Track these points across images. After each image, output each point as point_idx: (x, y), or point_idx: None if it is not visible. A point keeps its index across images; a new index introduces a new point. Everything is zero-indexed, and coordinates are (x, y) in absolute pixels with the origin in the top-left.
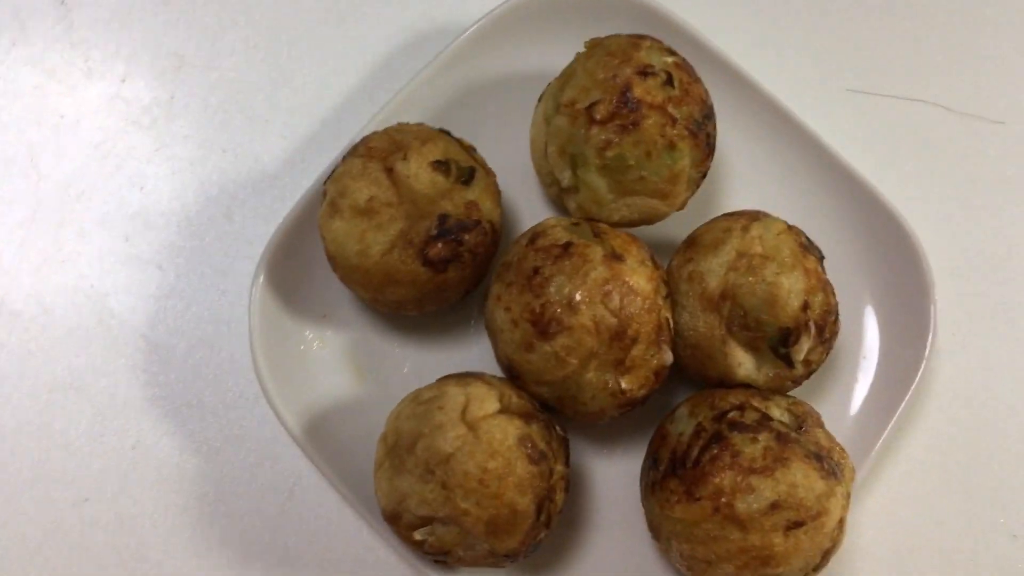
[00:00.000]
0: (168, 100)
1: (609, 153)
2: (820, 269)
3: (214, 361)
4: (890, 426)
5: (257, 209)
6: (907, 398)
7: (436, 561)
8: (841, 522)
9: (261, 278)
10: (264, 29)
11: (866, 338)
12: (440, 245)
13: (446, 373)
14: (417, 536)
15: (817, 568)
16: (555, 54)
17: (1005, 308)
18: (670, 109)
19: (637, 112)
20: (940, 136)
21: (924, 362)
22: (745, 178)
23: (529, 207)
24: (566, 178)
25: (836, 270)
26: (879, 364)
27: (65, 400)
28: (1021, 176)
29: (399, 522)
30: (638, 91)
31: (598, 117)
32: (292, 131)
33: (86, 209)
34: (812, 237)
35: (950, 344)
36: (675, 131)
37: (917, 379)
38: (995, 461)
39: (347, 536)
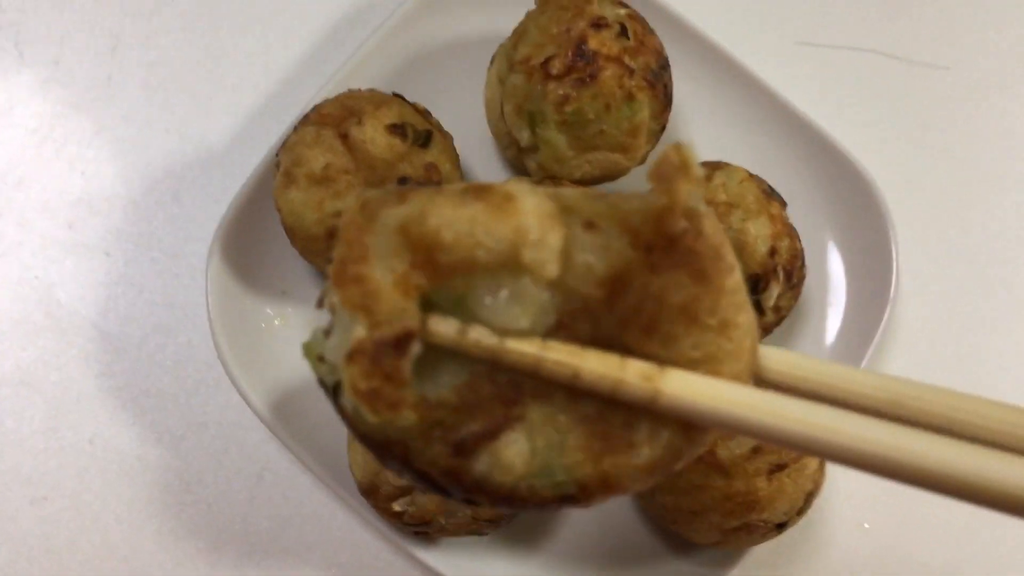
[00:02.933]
0: (105, 81)
1: (568, 108)
2: (784, 215)
3: (171, 347)
4: (862, 366)
5: (206, 189)
6: (875, 341)
7: (417, 533)
8: (822, 464)
9: (216, 257)
10: (202, 3)
11: (832, 283)
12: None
13: None
14: (396, 507)
15: (801, 511)
16: (503, 15)
17: (964, 249)
18: (626, 60)
19: (594, 64)
20: (890, 84)
21: (890, 305)
22: (702, 131)
23: (488, 170)
24: (525, 137)
25: (799, 217)
26: (846, 308)
27: (16, 396)
28: (968, 120)
29: (376, 495)
30: (593, 43)
31: (554, 72)
32: (237, 107)
33: (26, 197)
34: (773, 186)
35: (913, 287)
36: (633, 82)
37: (884, 321)
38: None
39: (322, 518)
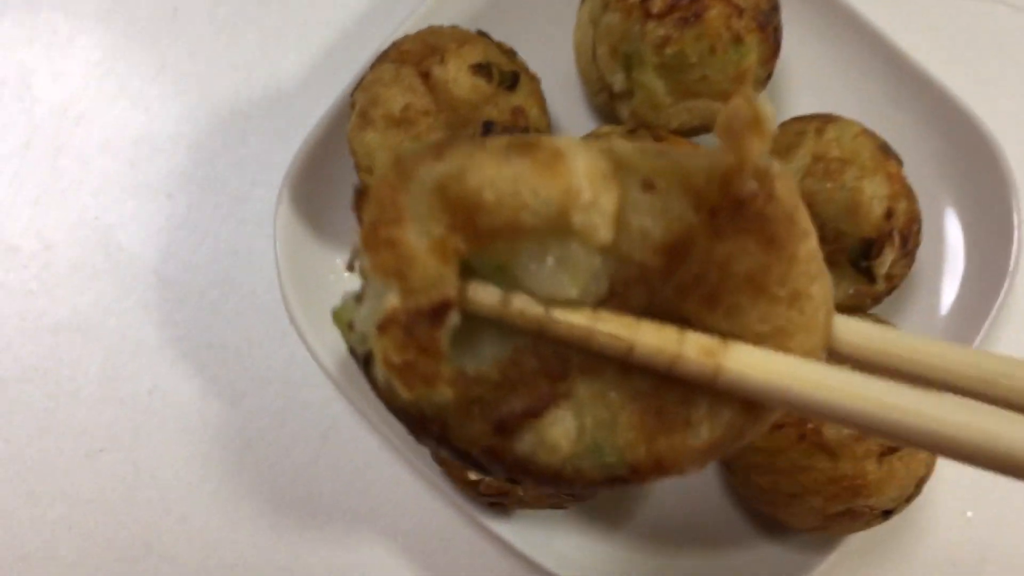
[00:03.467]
0: (171, 13)
1: (668, 50)
2: (902, 174)
3: (234, 297)
4: (977, 343)
5: (274, 130)
6: (993, 312)
7: (492, 504)
8: None
9: (285, 203)
10: None
11: (949, 250)
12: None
13: None
14: (472, 476)
15: (910, 498)
16: None
17: None
18: None
19: (699, 2)
20: (1018, 38)
21: (1008, 277)
22: (812, 81)
23: (574, 117)
24: (619, 81)
25: (914, 178)
26: (962, 279)
27: (72, 343)
28: None
29: (450, 462)
30: None
31: (655, 10)
32: (309, 44)
33: (86, 134)
34: (887, 143)
35: None
36: (742, 23)
37: (1003, 292)
38: None
39: (389, 483)
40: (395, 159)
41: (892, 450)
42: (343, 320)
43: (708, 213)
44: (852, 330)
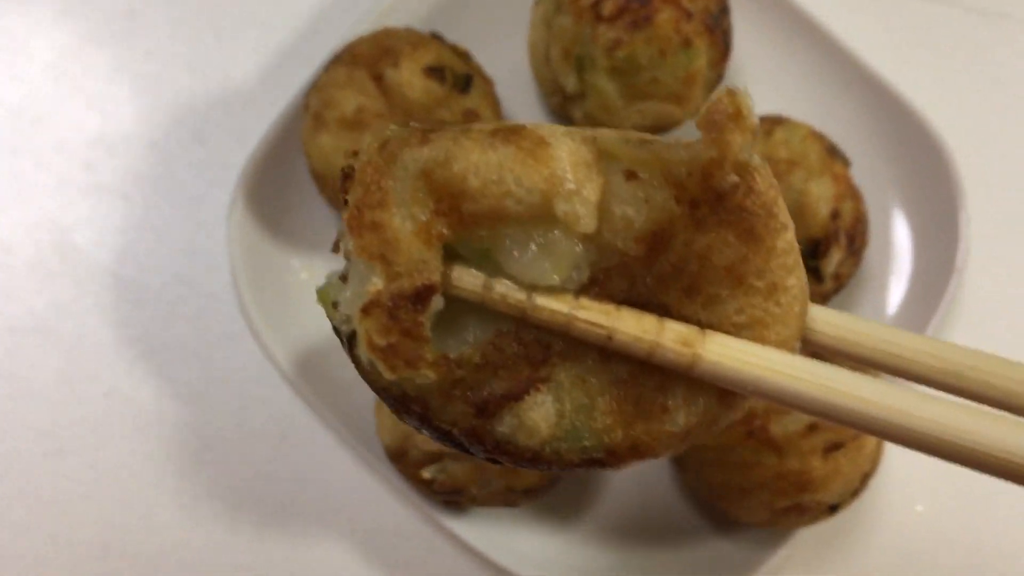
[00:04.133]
0: (127, 13)
1: (619, 53)
2: (848, 175)
3: (192, 298)
4: None
5: (231, 130)
6: (939, 312)
7: (446, 502)
8: (880, 443)
9: (239, 204)
10: None
11: (896, 249)
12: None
13: None
14: (426, 474)
15: (856, 493)
16: None
17: None
18: (684, 3)
19: (649, 6)
20: (963, 37)
21: (956, 273)
22: (762, 83)
23: (528, 119)
24: (571, 84)
25: (862, 178)
26: (910, 276)
27: (29, 344)
28: None
29: (405, 460)
30: None
31: (606, 13)
32: (265, 45)
33: (42, 136)
34: (836, 144)
35: (982, 256)
36: (691, 26)
37: (950, 292)
38: None
39: (346, 481)
40: (381, 142)
41: (837, 446)
42: (327, 299)
43: (689, 204)
44: (826, 320)
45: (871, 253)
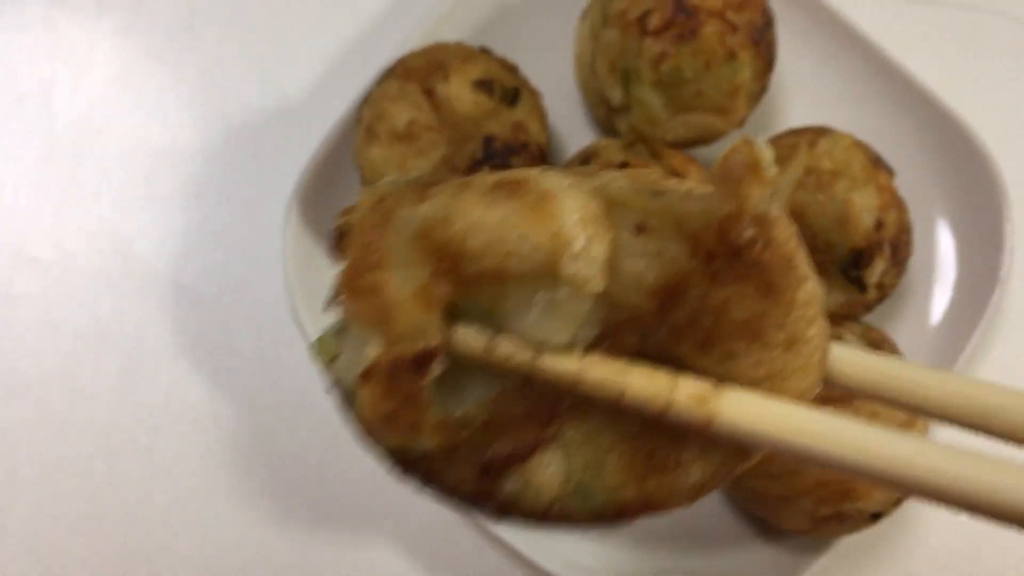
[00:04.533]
0: (186, 28)
1: (664, 66)
2: (893, 185)
3: (247, 304)
4: (967, 351)
5: (286, 142)
6: (983, 323)
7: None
8: None
9: (294, 213)
10: None
11: (940, 260)
12: (487, 169)
13: None
14: None
15: (898, 501)
16: None
17: None
18: (729, 16)
19: (694, 19)
20: (1009, 47)
21: (1000, 284)
22: (804, 94)
23: (574, 131)
24: (617, 96)
25: (906, 188)
26: (954, 287)
27: (91, 349)
28: None
29: None
30: None
31: (652, 27)
32: (320, 55)
33: (105, 146)
34: (880, 155)
35: None
36: (735, 40)
37: (993, 302)
38: None
39: (395, 484)
40: (377, 198)
41: None
42: (323, 354)
43: (704, 258)
44: (848, 360)
45: (915, 263)
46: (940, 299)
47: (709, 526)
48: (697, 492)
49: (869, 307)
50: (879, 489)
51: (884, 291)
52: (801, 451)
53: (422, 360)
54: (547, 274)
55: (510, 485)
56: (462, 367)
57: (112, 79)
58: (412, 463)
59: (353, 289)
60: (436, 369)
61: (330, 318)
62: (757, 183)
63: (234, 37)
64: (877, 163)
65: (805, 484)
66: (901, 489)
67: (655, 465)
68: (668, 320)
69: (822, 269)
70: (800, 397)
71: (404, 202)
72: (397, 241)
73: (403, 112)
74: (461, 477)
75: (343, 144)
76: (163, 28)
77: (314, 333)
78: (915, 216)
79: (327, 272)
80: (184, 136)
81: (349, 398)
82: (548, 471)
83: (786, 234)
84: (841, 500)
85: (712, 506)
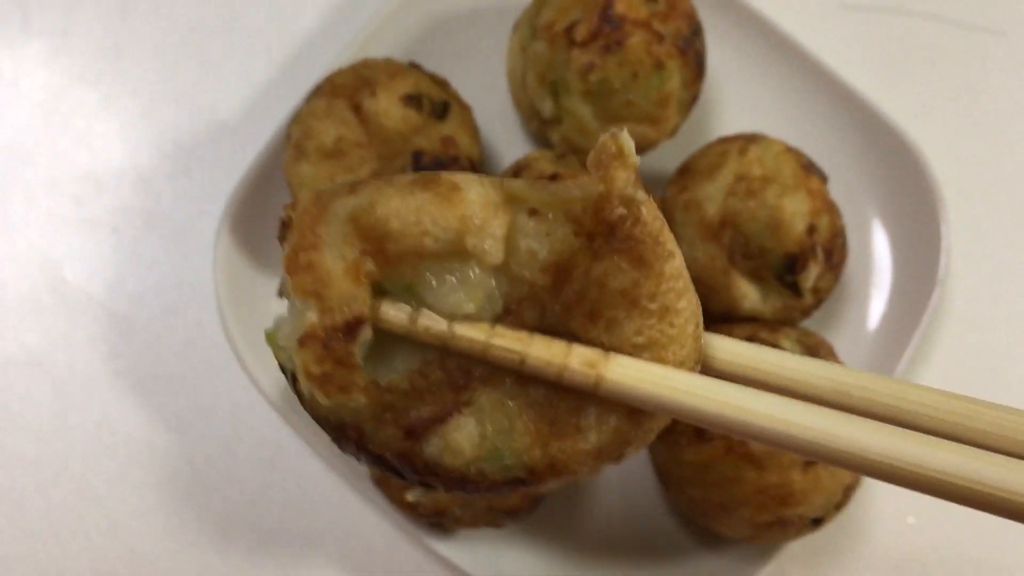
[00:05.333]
0: (115, 51)
1: (592, 77)
2: (824, 190)
3: (180, 328)
4: (906, 355)
5: (217, 162)
6: (922, 325)
7: (432, 524)
8: None
9: (225, 234)
10: None
11: (876, 263)
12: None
13: None
14: (409, 498)
15: (839, 506)
16: None
17: (1018, 224)
18: (655, 25)
19: (620, 30)
20: (939, 50)
21: (939, 284)
22: (738, 102)
23: (509, 144)
24: (548, 108)
25: (840, 192)
26: (892, 289)
27: (22, 377)
28: None
29: (389, 484)
30: (620, 7)
31: (579, 38)
32: (250, 77)
33: (32, 173)
34: (814, 159)
35: (963, 268)
36: (662, 49)
37: (932, 303)
38: (1018, 384)
39: (334, 505)
40: (315, 195)
41: None
42: (275, 341)
43: (587, 236)
44: (724, 348)
45: (851, 267)
46: (878, 302)
47: (655, 537)
48: (597, 457)
49: (806, 312)
50: (817, 494)
51: (820, 295)
52: (680, 409)
53: (352, 326)
54: (456, 251)
55: (432, 446)
56: (389, 342)
57: (39, 104)
58: (346, 428)
59: (293, 267)
60: (364, 335)
61: (262, 335)
62: (622, 167)
63: (163, 58)
64: (809, 168)
65: (744, 492)
66: (773, 444)
67: (557, 430)
68: (561, 296)
69: (758, 275)
70: (679, 366)
71: (337, 196)
72: (331, 226)
73: (331, 129)
74: (388, 439)
75: (274, 164)
76: (91, 51)
77: (247, 354)
78: (850, 220)
79: (260, 292)
80: (113, 160)
81: (294, 377)
82: (464, 432)
83: (653, 214)
84: (780, 506)
85: (658, 517)
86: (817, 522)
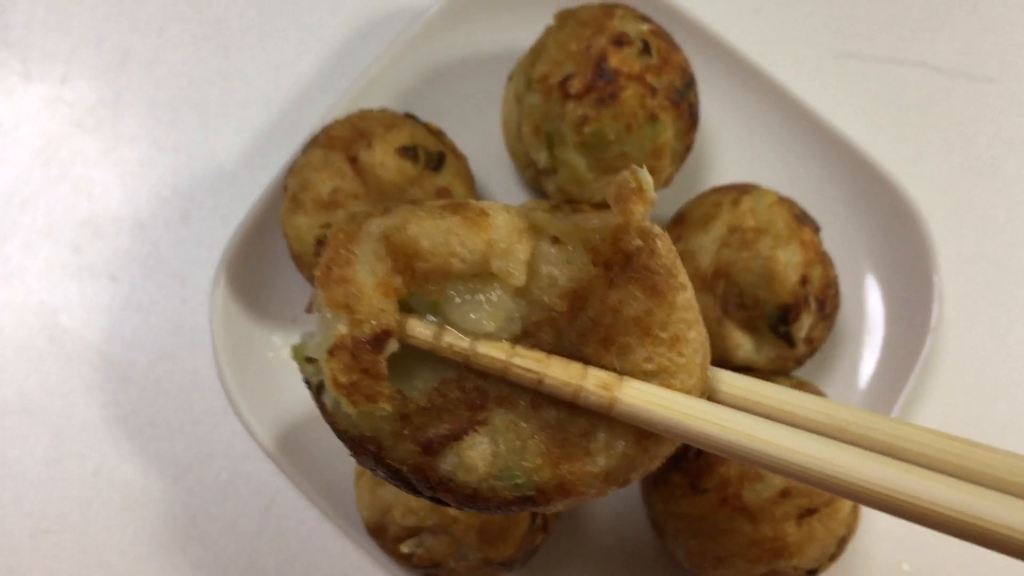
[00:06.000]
0: (113, 99)
1: (587, 129)
2: (817, 241)
3: (177, 375)
4: (900, 402)
5: (215, 210)
6: (915, 371)
7: (427, 575)
8: (856, 508)
9: (222, 283)
10: (212, 19)
11: (869, 312)
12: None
13: None
14: (404, 549)
15: (833, 557)
16: (523, 29)
17: (1010, 271)
18: (649, 79)
19: (614, 84)
20: (932, 98)
21: (931, 332)
22: (732, 151)
23: (505, 193)
24: (543, 159)
25: (833, 242)
26: (885, 338)
27: (18, 425)
28: (1017, 136)
29: (384, 535)
30: (614, 61)
31: (573, 91)
32: (248, 125)
33: (31, 219)
34: (806, 209)
35: (956, 312)
36: (656, 102)
37: (925, 351)
38: (1012, 431)
39: (331, 554)
40: (350, 215)
41: (811, 511)
42: (301, 355)
43: (604, 266)
44: (728, 381)
45: (844, 317)
46: (871, 350)
47: None
48: (605, 480)
49: (800, 361)
50: (812, 546)
51: (814, 345)
52: (691, 433)
53: (380, 338)
54: (481, 272)
55: (446, 462)
56: (410, 362)
57: (38, 151)
58: (366, 441)
59: (326, 281)
60: (391, 347)
61: (265, 381)
62: (640, 201)
63: (162, 107)
64: (802, 219)
65: (738, 543)
66: (779, 471)
67: (568, 452)
68: (577, 321)
69: (752, 325)
70: (687, 393)
71: (371, 216)
72: (364, 244)
73: (327, 180)
74: (405, 453)
75: (271, 214)
76: (89, 101)
77: (243, 401)
78: (843, 269)
79: (256, 340)
80: (111, 208)
81: (319, 389)
82: (478, 450)
83: (667, 247)
84: (774, 558)
85: (654, 567)
86: (812, 573)
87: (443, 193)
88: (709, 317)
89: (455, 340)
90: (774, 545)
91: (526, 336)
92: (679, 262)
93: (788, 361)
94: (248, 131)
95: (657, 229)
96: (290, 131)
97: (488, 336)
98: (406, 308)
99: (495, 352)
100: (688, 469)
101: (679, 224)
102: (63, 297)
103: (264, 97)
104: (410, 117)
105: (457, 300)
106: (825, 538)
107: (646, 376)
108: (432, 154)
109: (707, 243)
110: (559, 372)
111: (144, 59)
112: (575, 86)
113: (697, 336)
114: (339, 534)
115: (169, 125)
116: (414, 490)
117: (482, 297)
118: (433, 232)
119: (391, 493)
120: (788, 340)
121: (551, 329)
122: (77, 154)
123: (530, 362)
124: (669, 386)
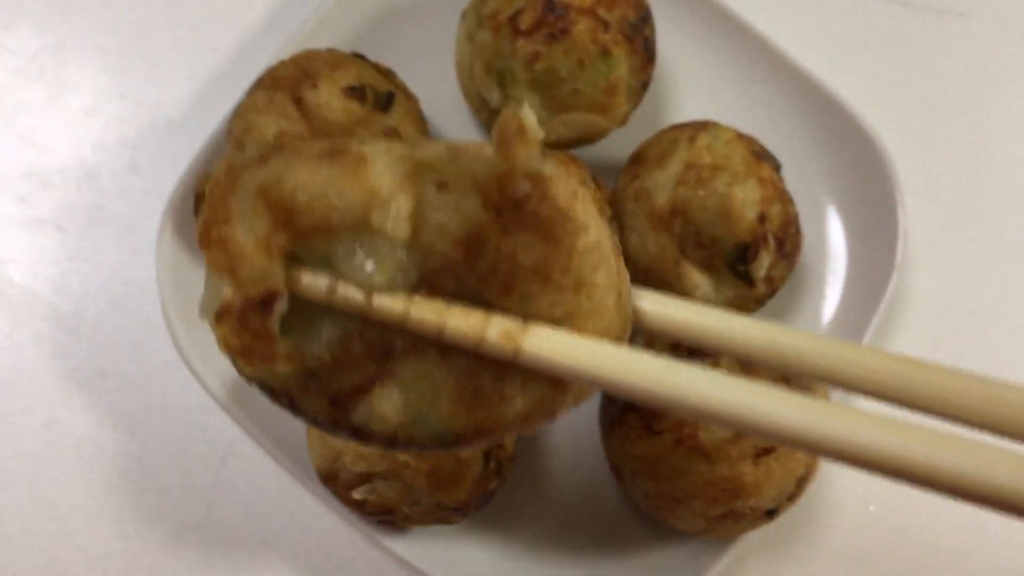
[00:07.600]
0: (57, 47)
1: (538, 66)
2: (776, 178)
3: (128, 326)
4: (865, 341)
5: (164, 158)
6: (879, 312)
7: (381, 522)
8: None
9: (168, 231)
10: None
11: (832, 251)
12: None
13: None
14: (356, 496)
15: (792, 497)
16: None
17: (978, 212)
18: (601, 12)
19: (565, 18)
20: (899, 33)
21: (895, 271)
22: (692, 89)
23: (458, 134)
24: (495, 98)
25: (796, 180)
26: (848, 278)
27: None
28: (986, 73)
29: (336, 482)
30: None
31: (523, 27)
32: (197, 71)
33: None
34: (768, 146)
35: (920, 252)
36: (608, 36)
37: (889, 290)
38: (978, 368)
39: (289, 504)
40: (227, 166)
41: (767, 451)
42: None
43: (495, 211)
44: (651, 310)
45: (807, 256)
46: (834, 290)
47: (613, 530)
48: (527, 419)
49: (760, 301)
50: (769, 486)
51: (774, 284)
52: (600, 380)
53: (266, 300)
54: (363, 225)
55: (358, 414)
56: (316, 312)
57: None
58: (278, 392)
59: (206, 242)
60: (280, 308)
61: (208, 333)
62: (523, 144)
63: (108, 55)
64: (760, 156)
65: (695, 485)
66: (691, 415)
67: (481, 399)
68: (475, 268)
69: (710, 265)
70: (600, 336)
71: (247, 168)
72: (241, 199)
73: (271, 123)
74: (316, 407)
75: (217, 159)
76: (33, 47)
77: (192, 351)
78: (805, 207)
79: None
80: (58, 158)
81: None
82: (388, 401)
83: (563, 189)
84: (731, 498)
85: (615, 510)
86: (771, 514)
87: (391, 134)
88: (666, 257)
89: (349, 294)
90: (731, 485)
91: (424, 284)
92: (578, 203)
93: (748, 301)
94: (197, 77)
95: (549, 169)
96: (239, 77)
97: (383, 288)
98: (297, 260)
99: (391, 304)
100: (643, 411)
101: (635, 163)
102: (9, 248)
103: (213, 42)
104: (358, 57)
105: (344, 253)
106: (783, 478)
107: (555, 322)
108: (380, 94)
109: (663, 181)
110: (459, 322)
111: (89, 4)
112: (525, 21)
113: (606, 278)
114: (296, 484)
115: (116, 73)
116: (335, 435)
117: (369, 249)
118: (309, 184)
119: (341, 440)
120: (747, 279)
121: (451, 276)
122: (20, 104)
123: (428, 312)
124: (580, 330)
